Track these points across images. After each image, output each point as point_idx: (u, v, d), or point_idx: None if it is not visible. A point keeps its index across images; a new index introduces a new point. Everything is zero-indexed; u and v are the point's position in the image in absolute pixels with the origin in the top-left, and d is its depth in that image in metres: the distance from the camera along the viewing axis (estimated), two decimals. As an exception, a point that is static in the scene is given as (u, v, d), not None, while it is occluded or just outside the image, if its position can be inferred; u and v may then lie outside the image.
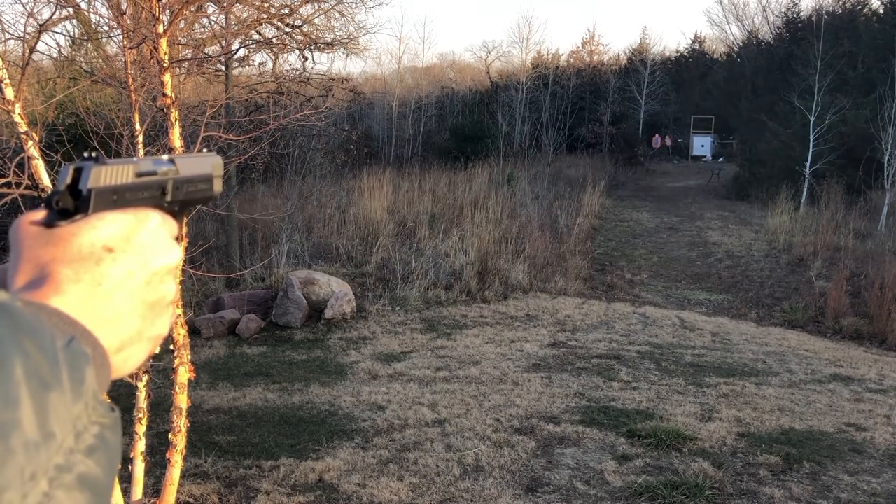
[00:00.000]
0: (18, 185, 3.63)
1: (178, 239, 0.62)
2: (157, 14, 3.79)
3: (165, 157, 0.62)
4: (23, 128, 3.58)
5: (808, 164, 19.19)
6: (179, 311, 4.00)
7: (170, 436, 4.04)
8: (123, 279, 0.55)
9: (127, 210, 0.56)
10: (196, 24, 9.60)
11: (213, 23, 9.37)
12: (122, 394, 4.44)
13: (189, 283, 9.69)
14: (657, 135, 34.65)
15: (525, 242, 12.58)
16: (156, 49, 3.82)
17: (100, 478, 0.45)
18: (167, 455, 4.07)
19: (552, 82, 30.76)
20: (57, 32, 12.33)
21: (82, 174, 0.54)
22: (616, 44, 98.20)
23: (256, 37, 13.09)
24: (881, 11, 24.95)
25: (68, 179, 0.54)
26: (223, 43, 9.39)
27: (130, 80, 4.09)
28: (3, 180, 3.64)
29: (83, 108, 5.09)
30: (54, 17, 5.76)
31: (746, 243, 16.00)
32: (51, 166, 3.86)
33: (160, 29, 3.81)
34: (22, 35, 4.19)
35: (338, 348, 8.34)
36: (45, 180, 3.64)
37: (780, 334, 9.78)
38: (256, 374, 7.41)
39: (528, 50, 33.11)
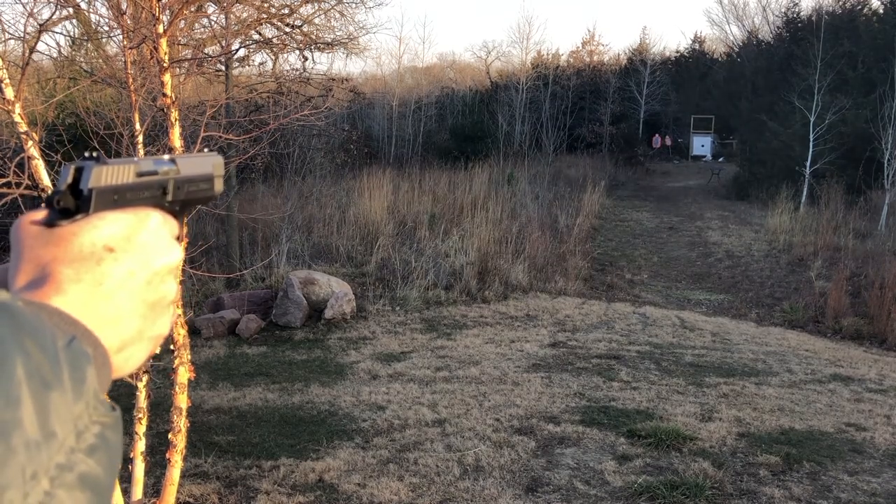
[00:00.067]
0: (18, 185, 3.63)
1: (178, 239, 0.62)
2: (157, 14, 3.79)
3: (166, 156, 0.62)
4: (23, 128, 3.58)
5: (808, 164, 19.19)
6: (179, 311, 4.00)
7: (170, 436, 4.04)
8: (124, 279, 0.55)
9: (128, 210, 0.56)
10: (196, 24, 9.60)
11: (213, 23, 9.38)
12: (122, 394, 4.44)
13: (189, 283, 9.69)
14: (657, 135, 34.65)
15: (525, 242, 12.58)
16: (156, 49, 3.82)
17: (101, 477, 0.45)
18: (167, 455, 4.07)
19: (552, 82, 30.77)
20: (57, 32, 12.33)
21: (83, 174, 0.54)
22: (616, 44, 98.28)
23: (256, 37, 13.10)
24: (881, 11, 24.95)
25: (69, 179, 0.54)
26: (223, 43, 9.39)
27: (130, 80, 4.09)
28: (3, 180, 3.64)
29: (83, 108, 5.09)
30: (54, 17, 5.76)
31: (746, 243, 16.00)
32: (51, 166, 3.86)
33: (160, 29, 3.81)
34: (22, 35, 4.19)
35: (338, 348, 8.34)
36: (45, 180, 3.64)
37: (780, 334, 9.78)
38: (256, 374, 7.41)
39: (528, 50, 33.14)
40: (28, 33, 4.10)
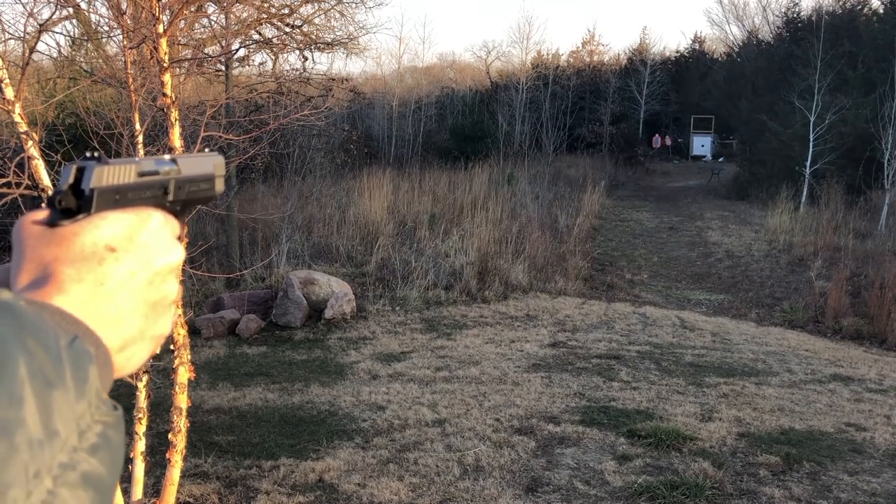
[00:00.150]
0: (18, 185, 3.63)
1: (179, 238, 0.62)
2: (157, 14, 3.79)
3: (167, 156, 0.63)
4: (23, 128, 3.58)
5: (808, 164, 19.19)
6: (179, 311, 4.00)
7: (170, 436, 4.04)
8: (126, 279, 0.55)
9: (129, 210, 0.57)
10: (196, 24, 9.61)
11: (213, 23, 9.38)
12: (122, 394, 4.44)
13: (189, 283, 9.69)
14: (657, 135, 34.65)
15: (525, 242, 12.58)
16: (156, 49, 3.82)
17: (103, 476, 0.45)
18: (167, 455, 4.07)
19: (552, 82, 30.76)
20: (57, 32, 12.34)
21: (85, 174, 0.54)
22: (616, 44, 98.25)
23: (256, 37, 13.10)
24: (881, 11, 24.95)
25: (71, 179, 0.55)
26: (223, 43, 9.39)
27: (130, 80, 4.09)
28: (3, 180, 3.64)
29: (83, 108, 5.09)
30: (54, 17, 5.76)
31: (746, 243, 16.00)
32: (51, 166, 3.86)
33: (160, 29, 3.81)
34: (22, 35, 4.19)
35: (338, 348, 8.34)
36: (45, 180, 3.65)
37: (780, 334, 9.78)
38: (256, 374, 7.41)
39: (528, 50, 33.14)
40: (28, 33, 4.10)
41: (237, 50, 11.86)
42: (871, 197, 18.16)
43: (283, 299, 9.30)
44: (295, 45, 13.97)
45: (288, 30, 13.62)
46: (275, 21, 13.13)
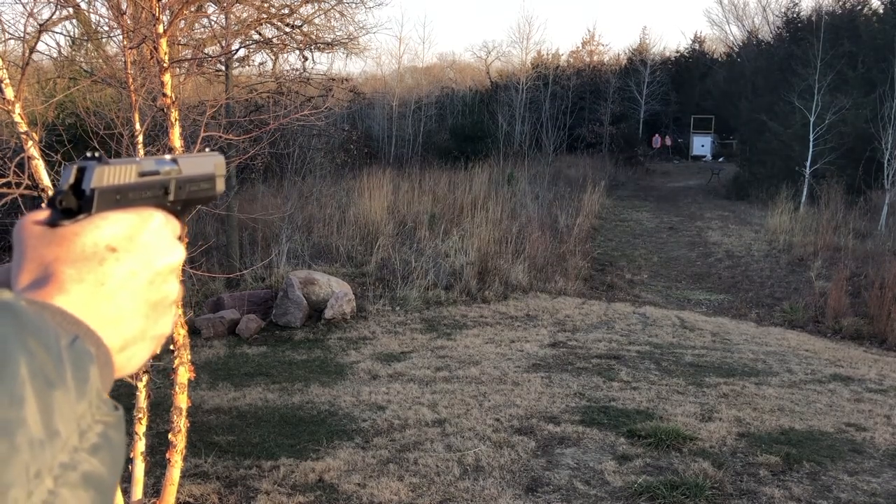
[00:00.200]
0: (18, 185, 3.63)
1: (180, 238, 0.62)
2: (157, 14, 3.79)
3: (168, 156, 0.63)
4: (23, 128, 3.58)
5: (808, 164, 19.20)
6: (179, 311, 4.00)
7: (170, 436, 4.04)
8: (126, 279, 0.55)
9: (130, 210, 0.57)
10: (196, 24, 9.61)
11: (213, 23, 9.38)
12: (122, 394, 4.44)
13: (189, 283, 9.69)
14: (657, 135, 34.65)
15: (525, 242, 12.58)
16: (156, 49, 3.82)
17: (104, 476, 0.45)
18: (167, 455, 4.07)
19: (552, 82, 30.76)
20: (57, 32, 12.34)
21: (86, 174, 0.54)
22: (616, 44, 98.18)
23: (256, 37, 13.10)
24: (881, 11, 24.96)
25: (72, 179, 0.54)
26: (223, 43, 9.39)
27: (130, 80, 4.09)
28: (3, 180, 3.64)
29: (83, 108, 5.09)
30: (54, 17, 5.76)
31: (746, 243, 16.01)
32: (51, 166, 3.86)
33: (160, 29, 3.81)
34: (22, 35, 4.20)
35: (338, 348, 8.34)
36: (45, 180, 3.65)
37: (780, 334, 9.78)
38: (256, 374, 7.41)
39: (528, 50, 33.13)
40: (28, 33, 4.10)
41: (237, 50, 11.87)
42: (871, 197, 18.16)
43: (283, 299, 9.30)
44: (295, 45, 13.98)
45: (288, 30, 13.62)
46: (275, 21, 13.13)
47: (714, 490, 4.69)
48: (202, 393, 6.61)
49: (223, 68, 11.29)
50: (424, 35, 67.42)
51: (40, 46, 4.64)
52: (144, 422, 4.02)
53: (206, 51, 10.32)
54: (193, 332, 8.18)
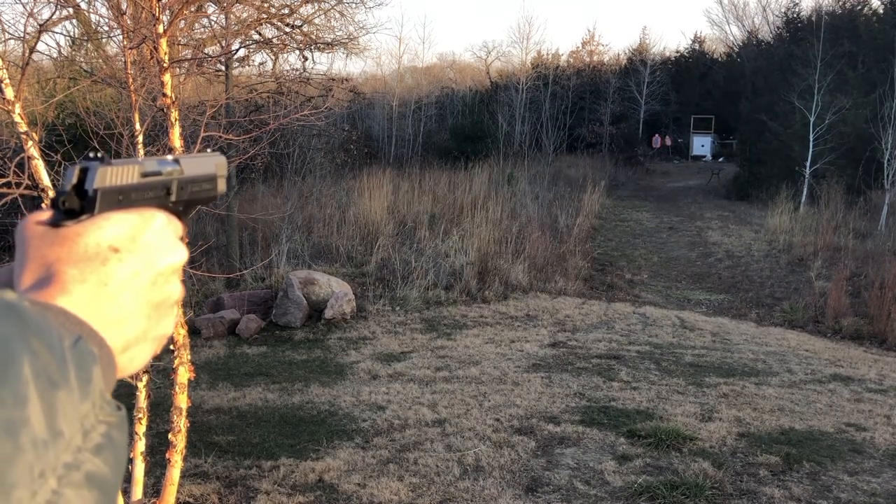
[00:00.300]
0: (18, 185, 3.63)
1: (181, 239, 0.62)
2: (157, 14, 3.79)
3: (170, 157, 0.63)
4: (23, 128, 3.58)
5: (808, 164, 19.20)
6: (179, 311, 4.00)
7: (170, 436, 4.04)
8: (129, 279, 0.55)
9: (132, 210, 0.57)
10: (196, 24, 9.61)
11: (213, 23, 9.38)
12: (122, 394, 4.44)
13: (189, 283, 9.69)
14: (657, 135, 34.64)
15: (525, 242, 12.58)
16: (156, 49, 3.83)
17: (107, 476, 0.45)
18: (167, 455, 4.07)
19: (552, 82, 30.76)
20: (57, 32, 12.33)
21: (88, 174, 0.55)
22: (616, 44, 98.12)
23: (256, 37, 13.10)
24: (881, 11, 24.97)
25: (74, 180, 0.55)
26: (223, 43, 9.39)
27: (130, 80, 4.09)
28: (3, 180, 3.64)
29: (83, 108, 5.09)
30: (54, 17, 5.76)
31: (746, 243, 16.01)
32: (51, 166, 3.86)
33: (160, 29, 3.81)
34: (22, 35, 4.20)
35: (338, 348, 8.34)
36: (45, 180, 3.65)
37: (780, 334, 9.78)
38: (256, 374, 7.41)
39: (528, 50, 33.14)
40: (28, 33, 4.10)
41: (237, 50, 11.87)
42: (870, 197, 18.16)
43: (283, 299, 9.30)
44: (295, 45, 13.98)
45: (288, 30, 13.62)
46: (275, 21, 13.13)
47: (714, 490, 4.69)
48: (202, 393, 6.61)
49: (223, 68, 11.29)
50: (424, 35, 67.48)
51: (40, 46, 4.65)
52: (144, 422, 4.02)
53: (206, 51, 10.32)
54: (193, 332, 8.18)
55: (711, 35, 45.31)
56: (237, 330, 8.86)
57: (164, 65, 3.82)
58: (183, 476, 4.37)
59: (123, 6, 4.40)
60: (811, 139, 19.09)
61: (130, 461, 4.01)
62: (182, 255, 0.60)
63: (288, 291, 9.29)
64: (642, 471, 4.97)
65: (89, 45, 11.08)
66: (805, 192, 19.10)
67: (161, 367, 5.80)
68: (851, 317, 10.48)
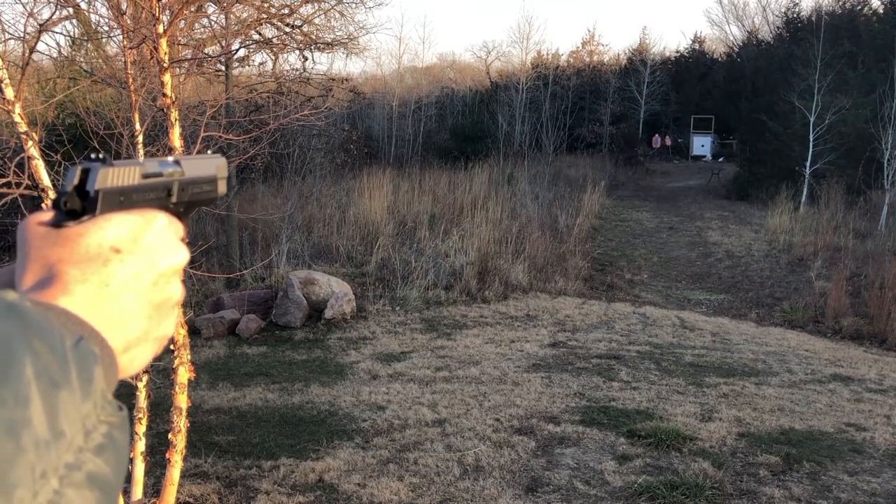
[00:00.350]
0: (18, 185, 3.63)
1: (182, 240, 0.62)
2: (157, 14, 3.79)
3: (171, 158, 0.63)
4: (23, 128, 3.58)
5: (807, 164, 19.20)
6: (180, 311, 4.00)
7: (170, 436, 4.04)
8: (130, 280, 0.55)
9: (134, 211, 0.57)
10: (196, 24, 9.61)
11: (213, 23, 9.38)
12: (122, 394, 4.43)
13: (189, 283, 9.69)
14: (657, 135, 34.64)
15: (525, 242, 12.58)
16: (156, 49, 3.83)
17: (109, 476, 0.45)
18: (167, 455, 4.08)
19: (552, 82, 30.76)
20: (57, 32, 12.34)
21: (90, 175, 0.55)
22: (616, 44, 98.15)
23: (256, 37, 13.10)
24: (881, 11, 24.97)
25: (76, 180, 0.55)
26: (223, 43, 9.39)
27: (130, 80, 4.09)
28: (3, 180, 3.64)
29: (83, 108, 5.09)
30: (54, 17, 5.77)
31: (746, 243, 16.01)
32: (51, 166, 3.86)
33: (160, 29, 3.81)
34: (22, 35, 4.20)
35: (338, 348, 8.34)
36: (45, 180, 3.65)
37: (780, 334, 9.78)
38: (256, 374, 7.41)
39: (528, 50, 33.14)
40: (28, 33, 4.10)
41: (237, 50, 11.87)
42: (871, 197, 18.17)
43: (283, 299, 9.30)
44: (295, 45, 13.98)
45: (288, 30, 13.62)
46: (275, 21, 13.13)
47: (714, 490, 4.69)
48: (202, 393, 6.61)
49: (223, 68, 11.29)
50: (424, 35, 67.52)
51: (40, 46, 4.65)
52: (144, 422, 4.02)
53: (206, 51, 10.32)
54: (193, 332, 8.19)
55: (711, 35, 45.34)
56: (237, 330, 8.86)
57: (164, 65, 3.82)
58: (183, 476, 4.37)
59: (123, 6, 4.40)
60: (811, 139, 19.09)
61: (130, 461, 4.01)
62: (183, 256, 0.60)
63: (288, 291, 9.30)
64: (642, 471, 4.97)
65: (89, 45, 11.08)
66: (805, 192, 19.11)
67: (161, 367, 5.81)
68: (851, 317, 10.48)
